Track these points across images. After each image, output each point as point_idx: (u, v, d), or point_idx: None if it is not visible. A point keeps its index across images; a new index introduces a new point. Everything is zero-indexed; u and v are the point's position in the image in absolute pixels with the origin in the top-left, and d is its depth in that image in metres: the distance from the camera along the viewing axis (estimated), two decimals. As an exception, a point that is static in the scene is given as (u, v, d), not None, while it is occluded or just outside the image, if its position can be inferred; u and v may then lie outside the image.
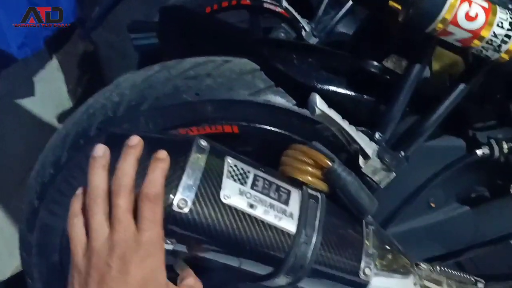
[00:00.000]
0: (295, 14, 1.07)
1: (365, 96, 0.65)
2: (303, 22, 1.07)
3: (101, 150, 0.47)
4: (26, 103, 1.39)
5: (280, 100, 0.65)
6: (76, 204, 0.46)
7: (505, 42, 0.53)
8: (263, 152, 0.64)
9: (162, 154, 0.47)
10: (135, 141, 0.47)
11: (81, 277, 0.43)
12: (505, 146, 0.62)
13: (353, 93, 0.65)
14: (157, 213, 0.44)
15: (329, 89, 0.64)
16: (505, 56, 0.54)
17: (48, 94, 1.53)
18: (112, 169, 0.47)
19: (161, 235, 0.45)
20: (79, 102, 0.76)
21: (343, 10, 1.13)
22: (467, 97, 0.64)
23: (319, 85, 0.64)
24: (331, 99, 0.60)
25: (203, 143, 0.51)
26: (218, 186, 0.49)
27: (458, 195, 0.70)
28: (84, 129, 0.66)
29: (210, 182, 0.49)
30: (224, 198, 0.49)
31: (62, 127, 0.69)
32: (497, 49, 0.53)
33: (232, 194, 0.49)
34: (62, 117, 1.55)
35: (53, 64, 1.57)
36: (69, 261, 0.45)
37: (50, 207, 0.67)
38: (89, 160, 0.47)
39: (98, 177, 0.45)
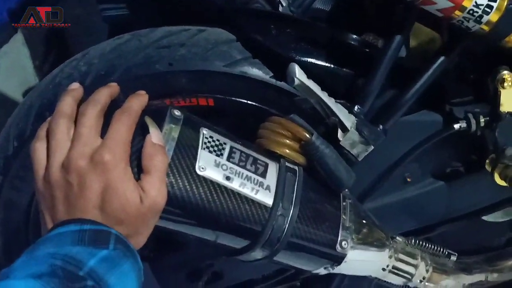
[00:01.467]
0: (272, -13, 1.04)
1: (344, 69, 0.64)
2: (280, -3, 1.05)
3: (76, 85, 0.47)
4: (-11, 78, 1.34)
5: (257, 72, 0.63)
6: (41, 131, 0.44)
7: (487, 13, 0.52)
8: (240, 126, 0.62)
9: (142, 91, 0.48)
10: (112, 83, 0.48)
11: (47, 200, 0.42)
12: (481, 120, 0.62)
13: (332, 66, 0.64)
14: (127, 134, 0.43)
15: (308, 61, 0.63)
16: (486, 27, 0.54)
17: (13, 70, 1.46)
18: None
19: (126, 156, 0.43)
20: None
21: (321, -15, 1.11)
22: (445, 72, 0.64)
23: (298, 57, 0.62)
24: (310, 71, 0.59)
25: (177, 113, 0.49)
26: (193, 158, 0.47)
27: (434, 170, 0.70)
28: (50, 100, 0.62)
29: (185, 153, 0.47)
30: (200, 170, 0.47)
31: (26, 98, 0.66)
32: (478, 19, 0.53)
33: (208, 165, 0.48)
34: (26, 93, 1.49)
35: (18, 38, 1.50)
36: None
37: (14, 182, 0.64)
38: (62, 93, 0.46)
39: (65, 103, 0.44)
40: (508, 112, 0.61)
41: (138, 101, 0.46)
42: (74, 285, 0.35)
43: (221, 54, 0.63)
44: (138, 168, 0.44)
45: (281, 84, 0.62)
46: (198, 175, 0.47)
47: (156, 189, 0.43)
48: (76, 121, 0.43)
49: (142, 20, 0.91)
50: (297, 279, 0.77)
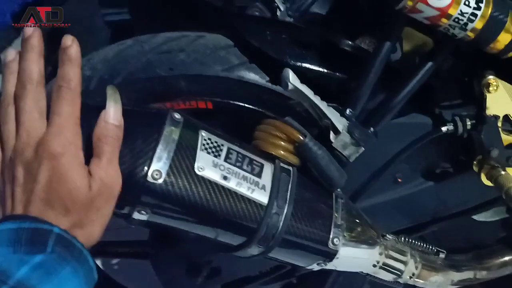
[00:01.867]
0: (270, -8, 1.07)
1: (337, 73, 0.67)
2: (278, 2, 1.07)
3: (12, 54, 0.42)
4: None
5: (254, 76, 0.65)
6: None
7: (471, 21, 0.55)
8: (238, 128, 0.65)
9: (68, 40, 0.42)
10: (30, 32, 0.41)
11: None
12: (468, 122, 0.65)
13: (325, 70, 0.66)
14: (70, 111, 0.39)
15: (302, 66, 0.65)
16: (471, 34, 0.56)
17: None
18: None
19: (75, 136, 0.39)
20: (48, 80, 0.75)
21: (318, -10, 1.13)
22: (434, 76, 0.67)
23: (292, 61, 0.65)
24: (304, 75, 0.61)
25: (177, 116, 0.51)
26: (192, 158, 0.50)
27: (424, 170, 0.73)
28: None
29: (184, 154, 0.49)
30: (198, 170, 0.50)
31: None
32: (464, 27, 0.55)
33: (206, 166, 0.50)
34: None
35: (20, 42, 1.52)
36: None
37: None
38: (2, 63, 0.42)
39: (9, 83, 0.41)
40: (493, 115, 0.64)
41: (72, 64, 0.41)
42: None
43: (219, 59, 0.66)
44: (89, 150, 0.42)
45: (277, 88, 0.65)
46: (197, 175, 0.49)
47: (105, 172, 0.40)
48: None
49: (143, 25, 0.93)
50: (293, 276, 0.79)
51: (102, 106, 0.44)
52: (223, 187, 0.50)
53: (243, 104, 0.66)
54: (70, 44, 0.41)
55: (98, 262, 1.09)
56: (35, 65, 0.41)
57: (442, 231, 0.80)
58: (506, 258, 0.76)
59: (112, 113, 0.42)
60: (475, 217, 0.80)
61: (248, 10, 1.12)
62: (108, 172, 0.41)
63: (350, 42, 0.69)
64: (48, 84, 0.68)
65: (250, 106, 0.66)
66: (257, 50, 0.66)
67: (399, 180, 0.72)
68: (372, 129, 0.62)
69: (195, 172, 0.49)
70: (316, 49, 0.68)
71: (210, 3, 0.97)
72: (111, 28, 1.14)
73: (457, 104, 0.69)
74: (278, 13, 1.10)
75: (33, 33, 0.42)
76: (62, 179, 0.38)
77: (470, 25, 0.55)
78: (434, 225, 0.76)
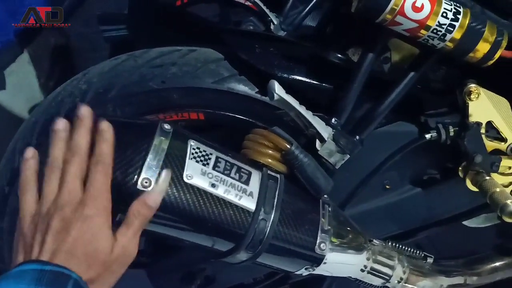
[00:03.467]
0: (264, 7, 1.10)
1: (323, 84, 0.69)
2: (272, 16, 1.10)
3: (61, 124, 0.49)
4: (-2, 96, 1.39)
5: (243, 87, 0.68)
6: (28, 171, 0.48)
7: (450, 32, 0.57)
8: (228, 137, 0.67)
9: (105, 125, 0.49)
10: (83, 112, 0.49)
11: (27, 241, 0.44)
12: (451, 130, 0.66)
13: (312, 81, 0.69)
14: (105, 181, 0.46)
15: (289, 77, 0.68)
16: (450, 45, 0.58)
17: (20, 87, 1.52)
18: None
19: (107, 202, 0.46)
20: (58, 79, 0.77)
21: (311, 4, 1.16)
22: (419, 85, 0.69)
23: (280, 73, 0.67)
24: (291, 87, 0.64)
25: (167, 126, 0.53)
26: (181, 167, 0.52)
27: (412, 177, 0.74)
28: (53, 116, 0.67)
29: (173, 163, 0.51)
30: (187, 178, 0.52)
31: (31, 115, 0.71)
32: (442, 38, 0.57)
33: (195, 174, 0.52)
34: (33, 110, 1.54)
35: (24, 57, 1.56)
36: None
37: (19, 192, 0.68)
38: (50, 133, 0.48)
39: (57, 148, 0.47)
40: (476, 122, 0.65)
41: (107, 144, 0.48)
42: None
43: (210, 71, 0.68)
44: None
45: (266, 98, 0.67)
46: (185, 183, 0.51)
47: (128, 242, 0.46)
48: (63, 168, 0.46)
49: (140, 40, 0.96)
50: (286, 283, 0.81)
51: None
52: (211, 194, 0.52)
53: (233, 115, 0.68)
54: (107, 129, 0.49)
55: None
56: (85, 140, 0.48)
57: (438, 237, 0.81)
58: (497, 264, 0.77)
59: (154, 197, 0.48)
60: (467, 223, 0.81)
61: (242, 25, 1.15)
62: (131, 242, 0.47)
63: (338, 55, 0.71)
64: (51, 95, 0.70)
65: (240, 117, 0.68)
66: (246, 63, 0.68)
67: (387, 187, 0.74)
68: (357, 137, 0.64)
69: (183, 180, 0.51)
70: (304, 61, 0.70)
71: (206, 19, 1.01)
72: (110, 44, 1.17)
73: (442, 112, 0.70)
74: (272, 27, 1.13)
75: (85, 112, 0.49)
76: (91, 238, 0.44)
77: (448, 36, 0.57)
78: (423, 231, 0.77)
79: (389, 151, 0.69)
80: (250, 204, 0.54)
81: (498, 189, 0.63)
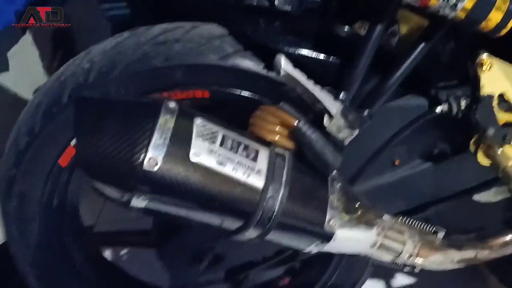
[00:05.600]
0: (267, -19, 1.07)
1: (331, 58, 0.67)
2: (276, -10, 1.07)
3: None
4: (1, 79, 1.38)
5: (248, 63, 0.66)
6: None
7: (461, 0, 0.55)
8: (234, 115, 0.66)
9: None
10: None
11: None
12: (462, 102, 0.65)
13: (319, 56, 0.67)
14: None
15: (295, 52, 0.66)
16: (461, 14, 0.57)
17: (22, 70, 1.51)
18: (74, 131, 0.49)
19: None
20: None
21: (315, -23, 1.13)
22: (428, 57, 0.67)
23: (286, 48, 0.66)
24: (298, 61, 0.62)
25: (172, 104, 0.52)
26: (187, 145, 0.51)
27: (421, 152, 0.73)
28: (56, 97, 0.67)
29: (179, 141, 0.51)
30: (194, 157, 0.51)
31: (35, 97, 0.70)
32: (453, 7, 0.55)
33: (201, 152, 0.51)
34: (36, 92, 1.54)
35: (27, 39, 1.55)
36: None
37: (26, 175, 0.68)
38: None
39: None
40: (488, 94, 0.64)
41: None
42: None
43: (214, 48, 0.67)
44: None
45: (272, 74, 0.65)
46: (192, 162, 0.51)
47: None
48: None
49: (142, 18, 0.95)
50: (295, 260, 0.81)
51: None
52: (218, 172, 0.52)
53: (239, 92, 0.67)
54: None
55: (107, 253, 1.12)
56: None
57: (446, 212, 0.81)
58: (508, 238, 0.76)
59: None
60: (477, 198, 0.80)
61: (246, 0, 1.12)
62: None
63: (345, 28, 0.69)
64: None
65: (246, 93, 0.67)
66: (251, 38, 0.67)
67: (397, 162, 0.73)
68: (366, 112, 0.63)
69: (190, 158, 0.51)
70: (310, 36, 0.69)
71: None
72: (112, 23, 1.16)
73: (453, 84, 0.69)
74: (276, 1, 1.10)
75: None
76: None
77: (460, 5, 0.55)
78: (433, 206, 0.76)
79: (399, 126, 0.68)
80: (258, 181, 0.53)
81: (511, 163, 0.62)
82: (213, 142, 0.53)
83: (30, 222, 0.72)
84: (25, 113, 0.69)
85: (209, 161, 0.51)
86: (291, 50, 0.67)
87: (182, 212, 0.54)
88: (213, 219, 0.55)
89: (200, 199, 0.52)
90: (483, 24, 0.58)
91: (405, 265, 0.67)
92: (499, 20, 0.57)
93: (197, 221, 0.55)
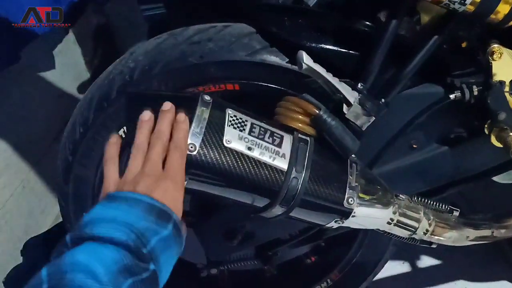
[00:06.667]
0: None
1: (350, 51, 0.73)
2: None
3: (147, 115, 0.57)
4: (47, 75, 1.49)
5: (274, 58, 0.73)
6: (111, 150, 0.56)
7: (469, -6, 0.59)
8: (262, 105, 0.73)
9: (182, 117, 0.57)
10: (167, 106, 0.57)
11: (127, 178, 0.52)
12: (475, 89, 0.69)
13: (339, 49, 0.72)
14: (181, 162, 0.54)
15: (317, 46, 0.72)
16: (471, 7, 0.61)
17: (67, 66, 1.62)
18: (126, 120, 0.58)
19: (182, 180, 0.54)
20: (96, 73, 0.84)
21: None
22: (444, 47, 0.71)
23: (308, 43, 0.71)
24: (319, 55, 0.68)
25: (207, 98, 0.60)
26: (221, 133, 0.58)
27: (438, 136, 0.77)
28: (106, 92, 0.75)
29: (214, 129, 0.58)
30: (226, 143, 0.58)
31: (88, 92, 0.79)
32: (463, 1, 0.60)
33: (233, 139, 0.59)
34: (80, 88, 1.64)
35: (70, 38, 1.66)
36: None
37: (82, 161, 0.78)
38: (138, 121, 0.57)
39: (143, 134, 0.56)
40: (499, 80, 0.68)
41: (183, 132, 0.56)
42: (140, 264, 0.44)
43: (244, 45, 0.73)
44: None
45: (295, 68, 0.71)
46: (225, 147, 0.58)
47: None
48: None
49: (178, 18, 1.02)
50: (321, 239, 0.87)
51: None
52: (248, 156, 0.59)
53: (266, 84, 0.74)
54: (183, 120, 0.57)
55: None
56: (168, 128, 0.56)
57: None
58: (524, 217, 0.80)
59: None
60: (497, 179, 0.84)
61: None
62: None
63: (365, 22, 0.74)
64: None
65: (272, 86, 0.73)
66: (276, 35, 0.73)
67: (414, 146, 0.77)
68: (383, 100, 0.68)
69: (223, 144, 0.58)
70: (331, 31, 0.74)
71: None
72: (149, 23, 1.24)
73: (467, 72, 0.73)
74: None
75: (171, 108, 0.57)
76: (177, 203, 0.53)
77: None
78: (451, 188, 0.80)
79: (415, 112, 0.73)
80: (283, 164, 0.60)
81: (519, 145, 0.66)
82: (243, 129, 0.60)
83: (84, 203, 0.81)
84: (79, 106, 0.79)
85: (239, 146, 0.59)
86: (313, 44, 0.72)
87: (216, 190, 0.61)
88: (243, 198, 0.62)
89: (232, 179, 0.59)
90: (492, 16, 0.62)
91: (422, 241, 0.72)
92: (507, 12, 0.61)
93: (230, 199, 0.63)
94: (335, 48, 0.73)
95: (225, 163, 0.58)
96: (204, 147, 0.57)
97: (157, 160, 0.53)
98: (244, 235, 0.81)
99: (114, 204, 0.48)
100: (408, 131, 0.74)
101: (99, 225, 0.45)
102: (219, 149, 0.58)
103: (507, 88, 0.68)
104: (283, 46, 0.73)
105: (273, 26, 0.73)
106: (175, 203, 0.52)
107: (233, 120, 0.60)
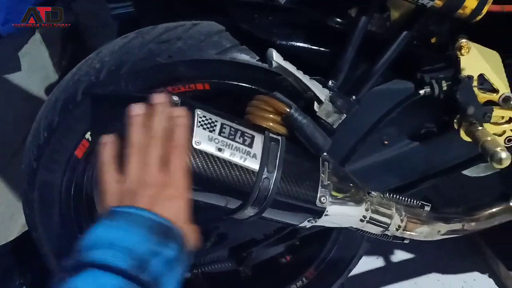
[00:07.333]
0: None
1: (321, 48, 0.72)
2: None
3: (138, 109, 0.52)
4: (14, 77, 1.44)
5: (245, 57, 0.72)
6: (106, 152, 0.51)
7: (437, -10, 0.59)
8: (233, 105, 0.71)
9: (180, 111, 0.53)
10: (160, 99, 0.53)
11: (123, 195, 0.48)
12: (444, 84, 0.69)
13: (310, 46, 0.72)
14: (183, 164, 0.51)
15: (288, 44, 0.71)
16: (439, 3, 0.61)
17: (34, 68, 1.57)
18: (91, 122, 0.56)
19: (186, 185, 0.51)
20: (64, 74, 0.82)
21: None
22: (414, 42, 0.71)
23: (279, 41, 0.70)
24: (291, 53, 0.68)
25: (175, 98, 0.58)
26: (189, 134, 0.57)
27: (410, 132, 0.78)
28: (72, 94, 0.73)
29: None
30: (196, 144, 0.57)
31: (52, 94, 0.76)
32: (430, -4, 0.60)
33: (202, 140, 0.57)
34: (48, 89, 1.59)
35: (37, 38, 1.60)
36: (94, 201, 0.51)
37: (47, 166, 0.75)
38: (128, 118, 0.52)
39: (136, 132, 0.51)
40: (467, 75, 0.68)
41: (182, 128, 0.52)
42: None
43: (213, 43, 0.72)
44: None
45: (266, 66, 0.70)
46: (194, 149, 0.57)
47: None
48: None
49: (146, 16, 1.00)
50: (295, 238, 0.87)
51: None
52: (218, 157, 0.58)
53: (236, 83, 0.72)
54: (181, 114, 0.53)
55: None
56: (162, 124, 0.52)
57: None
58: (494, 210, 0.82)
59: None
60: (467, 173, 0.85)
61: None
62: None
63: (336, 19, 0.74)
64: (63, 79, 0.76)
65: (243, 84, 0.72)
66: (247, 33, 0.72)
67: (386, 142, 0.78)
68: (354, 97, 0.68)
69: (193, 146, 0.57)
70: (302, 27, 0.73)
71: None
72: (117, 22, 1.22)
73: (436, 68, 0.73)
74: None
75: (162, 99, 0.53)
76: (173, 216, 0.48)
77: (436, -6, 0.60)
78: (424, 183, 0.81)
79: (386, 109, 0.73)
80: (254, 164, 0.59)
81: (489, 138, 0.67)
82: (213, 130, 0.59)
83: (51, 209, 0.79)
84: (43, 109, 0.76)
85: (209, 148, 0.57)
86: (283, 42, 0.71)
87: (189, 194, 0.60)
88: (215, 200, 0.61)
89: (203, 182, 0.58)
90: (460, 11, 0.62)
91: (395, 237, 0.72)
92: (474, 7, 0.62)
93: (201, 202, 0.62)
94: (306, 45, 0.72)
95: (195, 165, 0.57)
96: (172, 149, 0.55)
97: (157, 165, 0.49)
98: (217, 237, 0.80)
99: (114, 223, 0.45)
100: (380, 128, 0.74)
101: (98, 251, 0.43)
102: (188, 151, 0.56)
103: (475, 83, 0.69)
104: (253, 44, 0.72)
105: (243, 23, 0.72)
106: (179, 214, 0.49)
107: (203, 120, 0.59)
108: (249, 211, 0.61)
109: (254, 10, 0.75)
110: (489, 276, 1.18)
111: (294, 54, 0.69)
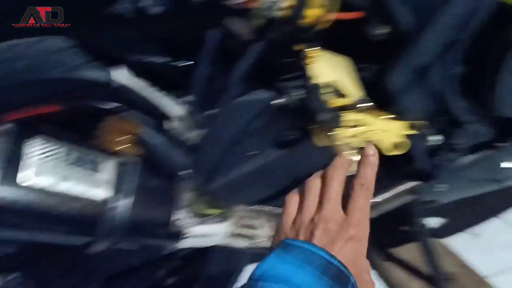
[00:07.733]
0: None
1: (178, 62, 0.70)
2: None
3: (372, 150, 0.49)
4: None
5: (95, 74, 0.67)
6: (293, 197, 0.49)
7: (280, 1, 0.60)
8: (84, 126, 0.66)
9: (371, 150, 0.49)
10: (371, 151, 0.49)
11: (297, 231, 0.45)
12: (293, 93, 0.71)
13: (167, 61, 0.69)
14: (367, 206, 0.46)
15: (144, 59, 0.68)
16: (284, 13, 0.62)
17: None
18: None
19: (368, 228, 0.46)
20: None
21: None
22: (271, 53, 0.72)
23: (134, 56, 0.67)
24: (146, 68, 0.65)
25: (9, 126, 0.52)
26: (24, 166, 0.51)
27: (273, 141, 0.79)
28: None
29: (13, 163, 0.50)
30: (35, 176, 0.51)
31: None
32: (274, 7, 0.61)
33: (43, 171, 0.51)
34: None
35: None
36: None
37: None
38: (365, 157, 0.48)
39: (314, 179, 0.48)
40: (315, 83, 0.71)
41: (372, 168, 0.48)
42: None
43: (59, 61, 0.66)
44: None
45: (117, 83, 0.66)
46: (32, 183, 0.51)
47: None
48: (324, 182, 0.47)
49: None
50: (173, 259, 0.83)
51: None
52: (55, 191, 0.52)
53: (86, 103, 0.67)
54: (373, 153, 0.48)
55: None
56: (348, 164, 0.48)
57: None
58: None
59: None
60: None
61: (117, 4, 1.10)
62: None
63: (193, 32, 0.72)
64: None
65: (94, 104, 0.67)
66: (97, 49, 0.67)
67: (253, 152, 0.78)
68: (212, 110, 0.67)
69: (27, 180, 0.50)
70: (160, 41, 0.70)
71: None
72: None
73: (293, 76, 0.75)
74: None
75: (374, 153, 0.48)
76: (352, 260, 0.44)
77: (278, 5, 0.61)
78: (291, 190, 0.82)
79: (247, 119, 0.73)
80: (102, 193, 0.55)
81: (341, 142, 0.70)
82: (55, 158, 0.53)
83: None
84: None
85: (46, 180, 0.52)
86: (137, 57, 0.68)
87: (24, 235, 0.53)
88: (60, 238, 0.55)
89: (42, 220, 0.52)
90: (304, 20, 0.64)
91: (265, 248, 0.72)
92: (315, 17, 0.64)
93: (46, 242, 0.55)
94: (163, 60, 0.69)
95: (23, 204, 0.50)
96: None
97: (337, 200, 0.46)
98: (85, 271, 0.73)
99: (288, 257, 0.42)
100: (244, 139, 0.74)
101: (270, 285, 0.40)
102: (13, 187, 0.50)
103: (324, 90, 0.72)
104: (104, 61, 0.67)
105: (94, 39, 0.67)
106: (355, 260, 0.45)
107: (44, 148, 0.53)
108: (102, 245, 0.56)
109: (105, 25, 0.70)
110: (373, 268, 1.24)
111: (150, 70, 0.66)
